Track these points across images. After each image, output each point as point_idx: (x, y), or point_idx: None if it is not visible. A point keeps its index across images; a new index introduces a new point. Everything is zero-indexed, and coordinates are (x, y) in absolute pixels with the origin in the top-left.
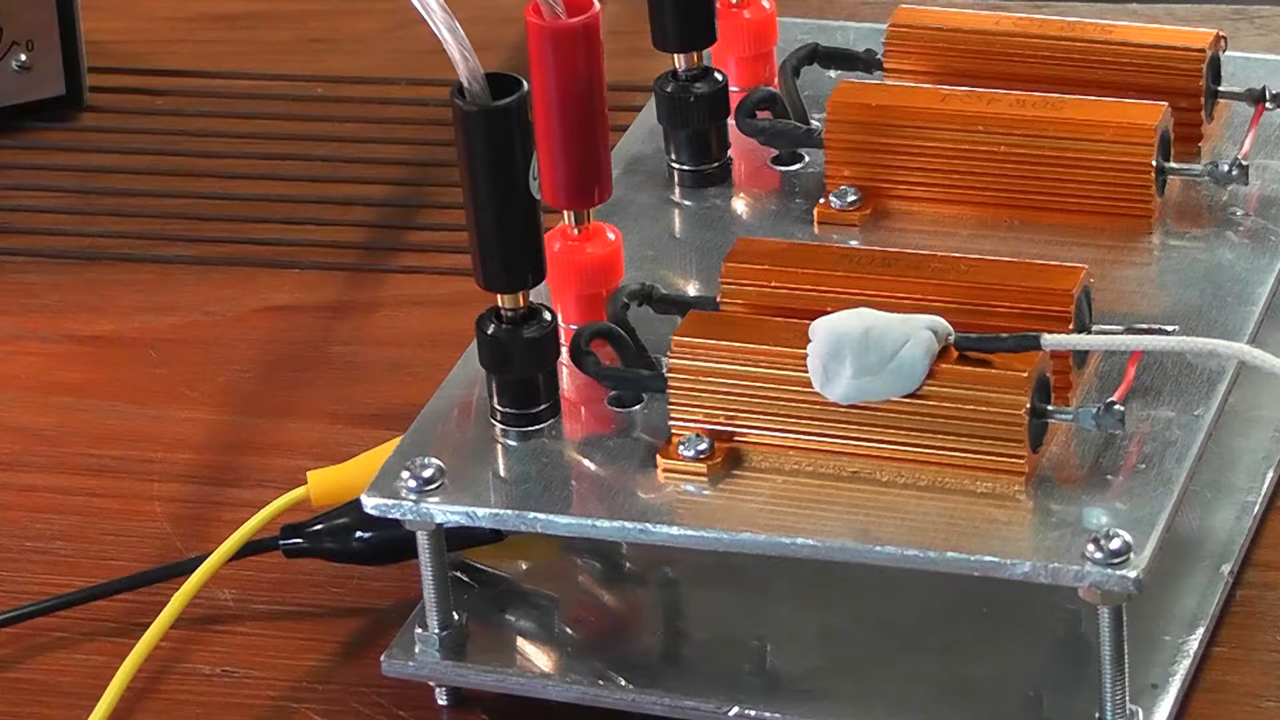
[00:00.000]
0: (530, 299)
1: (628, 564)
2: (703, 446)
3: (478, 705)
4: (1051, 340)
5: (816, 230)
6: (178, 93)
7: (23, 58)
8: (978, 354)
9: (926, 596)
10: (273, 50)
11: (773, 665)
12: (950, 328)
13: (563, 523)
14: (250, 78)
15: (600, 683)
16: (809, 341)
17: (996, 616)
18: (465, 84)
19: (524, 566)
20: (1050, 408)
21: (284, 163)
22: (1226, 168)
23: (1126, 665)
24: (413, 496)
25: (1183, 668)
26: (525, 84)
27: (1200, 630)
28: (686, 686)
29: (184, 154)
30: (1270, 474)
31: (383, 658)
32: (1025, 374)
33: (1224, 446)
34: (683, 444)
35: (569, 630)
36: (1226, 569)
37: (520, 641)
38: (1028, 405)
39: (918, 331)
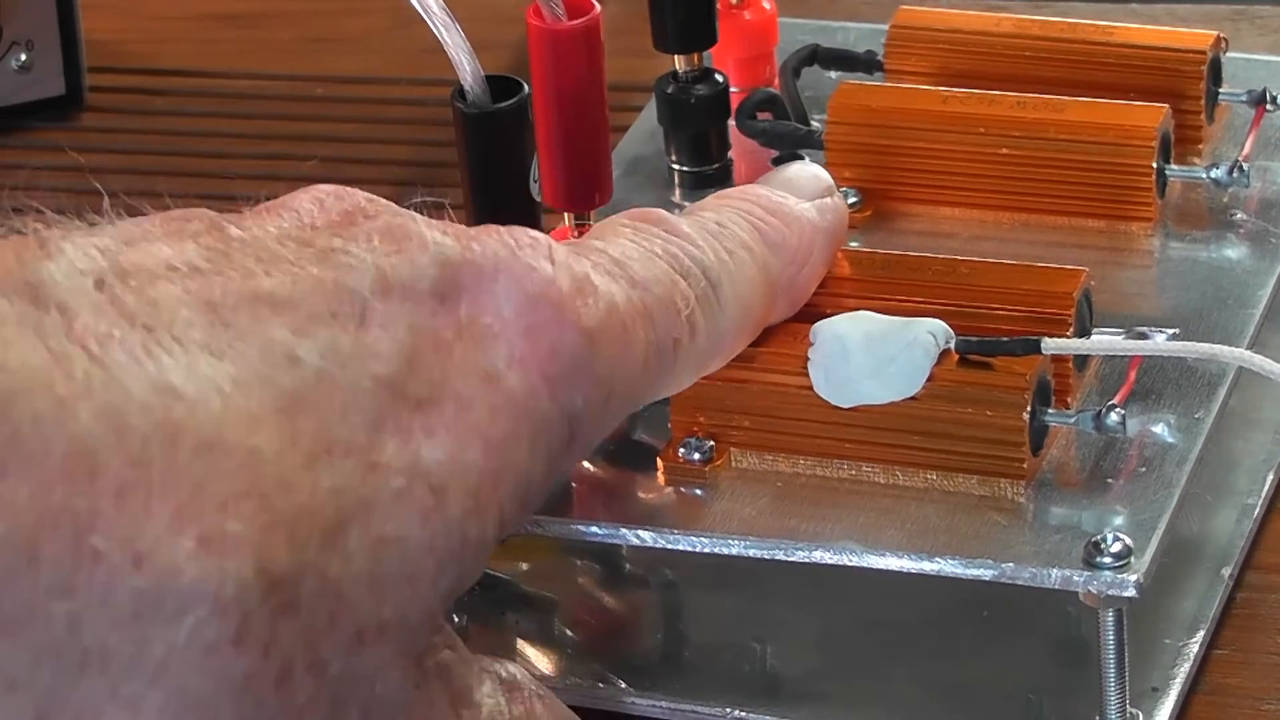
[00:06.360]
0: None
1: (628, 565)
2: (704, 449)
3: None
4: (1052, 344)
5: None
6: (178, 93)
7: (23, 58)
8: (978, 357)
9: (926, 599)
10: (273, 50)
11: (773, 668)
12: (951, 331)
13: (562, 526)
14: (250, 78)
15: (600, 685)
16: (809, 344)
17: (996, 619)
18: (466, 86)
19: (524, 567)
20: (1051, 411)
21: (284, 163)
22: (1227, 170)
23: (1127, 669)
24: None
25: (1183, 671)
26: (526, 86)
27: (1201, 633)
28: (687, 689)
29: (184, 154)
30: (1271, 476)
31: None
32: (1026, 378)
33: (1224, 449)
34: (683, 447)
35: (569, 632)
36: (1227, 572)
37: (520, 643)
38: (1028, 409)
39: (918, 335)
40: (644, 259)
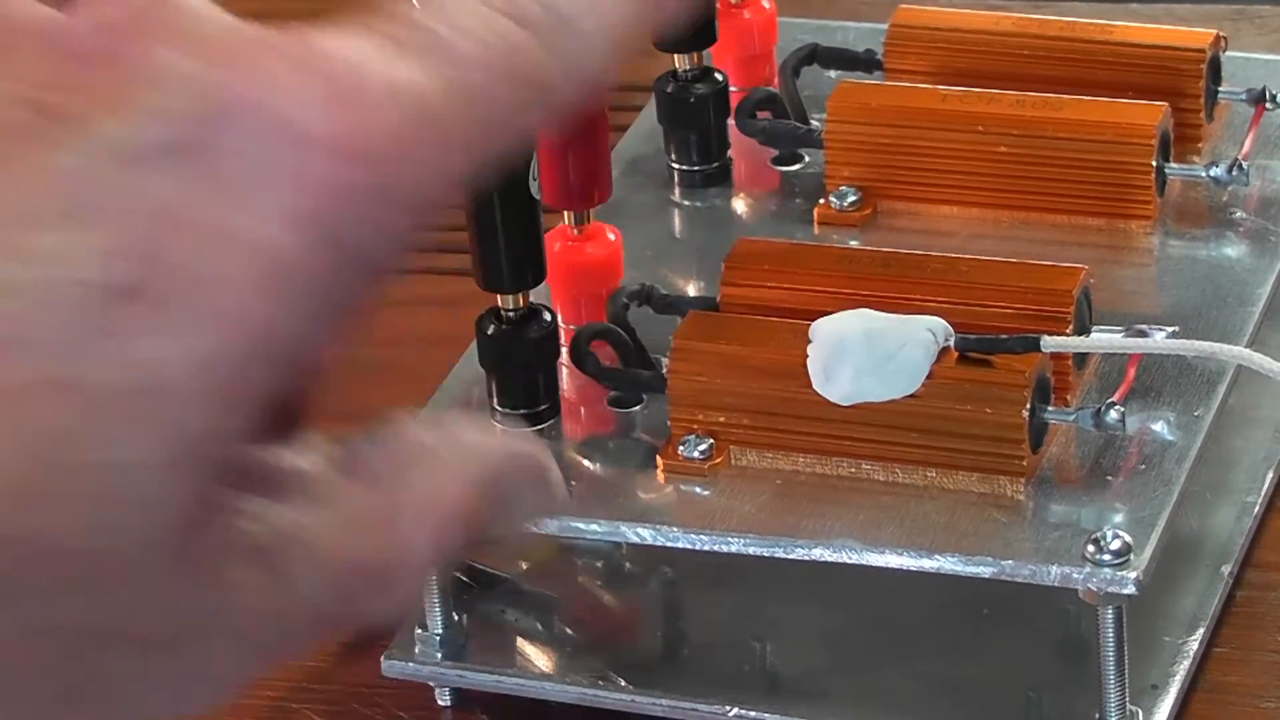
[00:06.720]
0: (530, 299)
1: (627, 564)
2: (703, 447)
3: (477, 705)
4: (1052, 342)
5: (816, 231)
6: None
7: None
8: (978, 355)
9: (926, 596)
10: None
11: (772, 666)
12: (950, 329)
13: (562, 524)
14: None
15: (600, 683)
16: (809, 342)
17: (996, 617)
18: None
19: (524, 566)
20: (1050, 409)
21: None
22: (1226, 168)
23: (1127, 666)
24: None
25: (1183, 668)
26: None
27: (1200, 631)
28: (686, 687)
29: None
30: (1270, 474)
31: (383, 658)
32: (1025, 375)
33: (1224, 447)
34: (683, 444)
35: (569, 630)
36: (1226, 569)
37: (520, 642)
38: (1028, 406)
39: (918, 332)
40: (468, 14)
